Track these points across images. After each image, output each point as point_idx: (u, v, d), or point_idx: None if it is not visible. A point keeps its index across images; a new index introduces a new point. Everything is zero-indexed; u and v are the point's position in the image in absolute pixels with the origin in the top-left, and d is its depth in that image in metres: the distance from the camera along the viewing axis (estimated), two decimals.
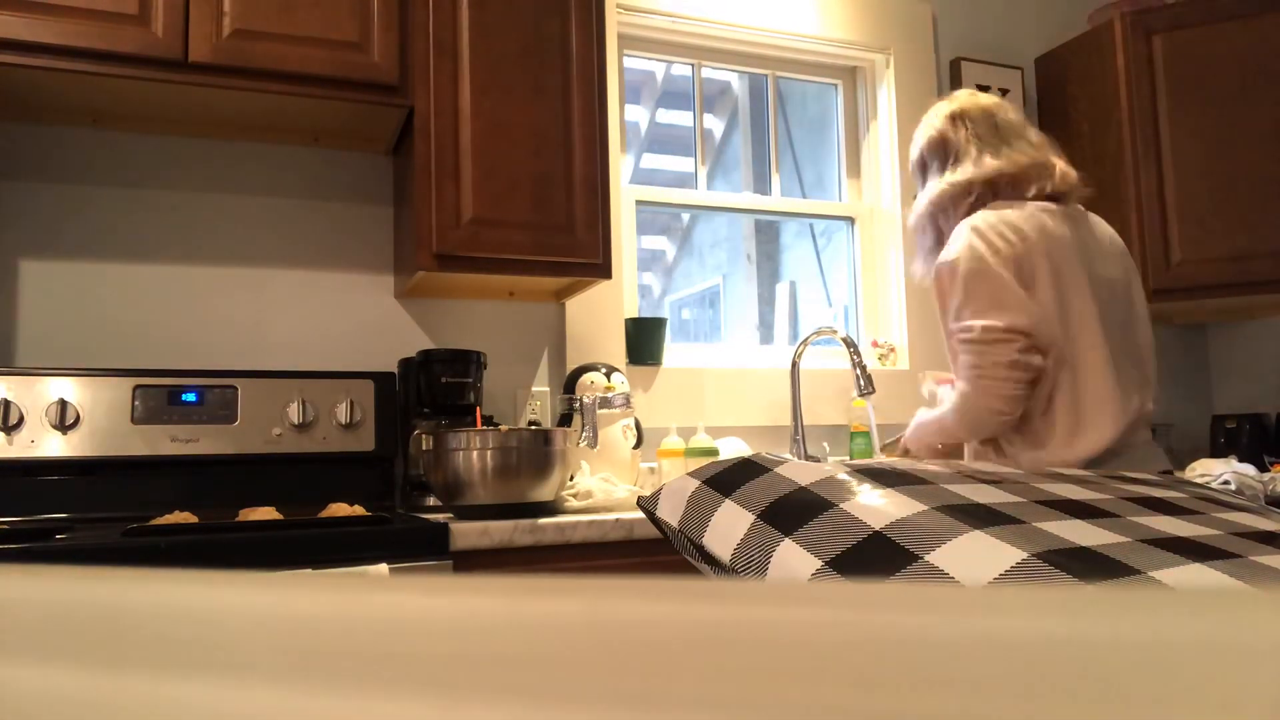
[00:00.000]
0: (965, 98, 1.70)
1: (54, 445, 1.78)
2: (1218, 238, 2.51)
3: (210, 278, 2.07)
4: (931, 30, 2.85)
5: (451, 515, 1.70)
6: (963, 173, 1.60)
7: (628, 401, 2.06)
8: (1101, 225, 1.63)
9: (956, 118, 1.66)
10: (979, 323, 1.45)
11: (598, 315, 2.35)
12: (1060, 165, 1.60)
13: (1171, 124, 2.57)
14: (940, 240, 1.64)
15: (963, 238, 1.52)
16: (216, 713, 0.20)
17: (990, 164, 1.59)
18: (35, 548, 1.34)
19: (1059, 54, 2.89)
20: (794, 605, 0.19)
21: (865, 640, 0.18)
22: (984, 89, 2.87)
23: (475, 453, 1.66)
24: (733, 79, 3.17)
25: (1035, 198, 1.57)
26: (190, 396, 1.88)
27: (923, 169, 1.70)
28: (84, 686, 0.21)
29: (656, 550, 1.69)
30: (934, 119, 1.69)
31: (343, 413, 1.96)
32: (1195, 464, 2.29)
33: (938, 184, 1.63)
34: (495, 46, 1.98)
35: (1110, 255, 1.59)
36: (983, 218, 1.53)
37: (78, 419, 1.79)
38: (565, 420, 2.07)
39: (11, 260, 1.93)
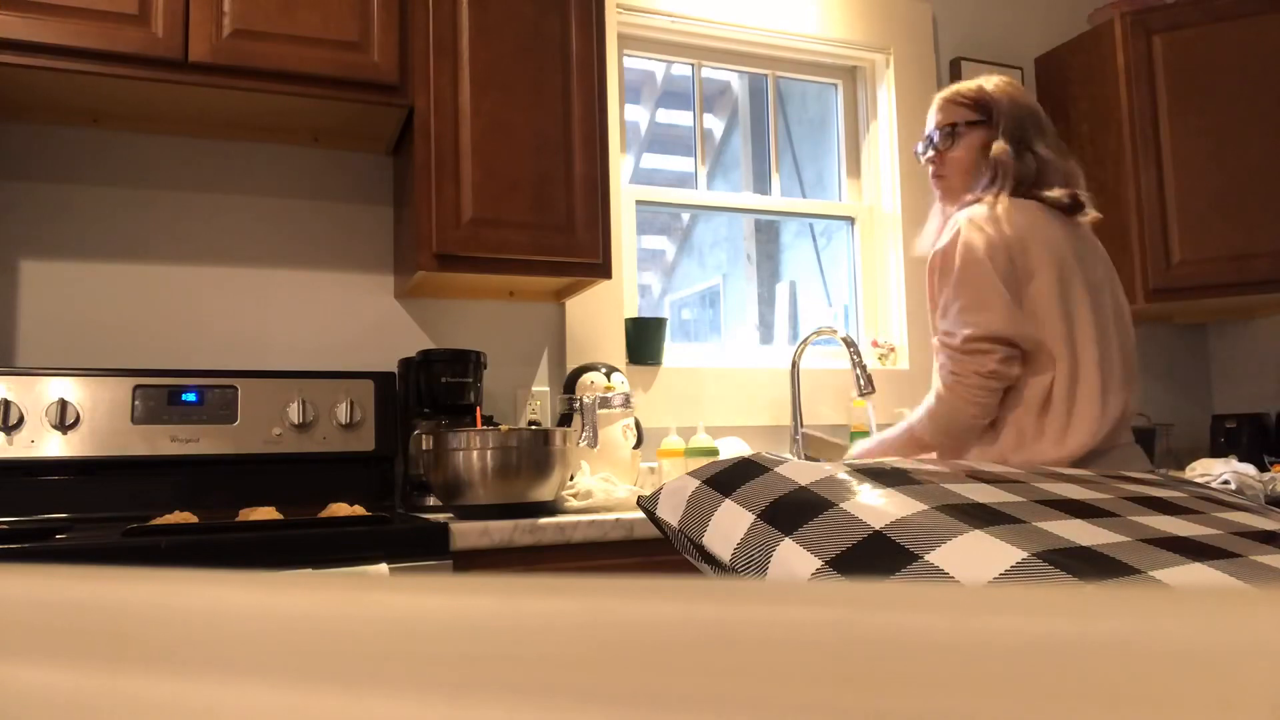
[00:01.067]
0: (1015, 85, 1.65)
1: (54, 445, 1.78)
2: (1218, 237, 2.51)
3: (210, 278, 2.07)
4: (931, 30, 2.85)
5: (451, 515, 1.70)
6: (1057, 159, 1.57)
7: (628, 401, 2.06)
8: (1088, 227, 1.62)
9: (1040, 107, 1.62)
10: (962, 331, 1.45)
11: (598, 315, 2.35)
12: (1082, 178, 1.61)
13: (1171, 124, 2.57)
14: (962, 196, 1.60)
15: (960, 230, 1.49)
16: (216, 712, 0.20)
17: (1057, 162, 1.56)
18: (35, 548, 1.34)
19: (1059, 54, 2.89)
20: (794, 604, 0.19)
21: (865, 639, 0.18)
22: None
23: (475, 453, 1.66)
24: (733, 79, 3.17)
25: (1061, 203, 1.55)
26: (190, 396, 1.88)
27: (1017, 123, 1.58)
28: (84, 686, 0.21)
29: (657, 550, 1.69)
30: (1026, 93, 1.62)
31: (343, 413, 1.96)
32: (1195, 464, 2.29)
33: (1035, 154, 1.56)
34: (495, 46, 1.98)
35: (1098, 257, 1.58)
36: (983, 212, 1.50)
37: (78, 419, 1.79)
38: (565, 420, 2.07)
39: (11, 260, 1.93)
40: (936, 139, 1.65)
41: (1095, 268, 1.55)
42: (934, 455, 1.60)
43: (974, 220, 1.48)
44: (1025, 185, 1.54)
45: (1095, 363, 1.46)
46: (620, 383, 2.07)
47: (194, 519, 1.51)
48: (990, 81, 1.63)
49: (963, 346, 1.45)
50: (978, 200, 1.54)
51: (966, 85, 1.65)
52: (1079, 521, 0.83)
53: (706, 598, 0.19)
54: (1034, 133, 1.58)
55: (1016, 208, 1.51)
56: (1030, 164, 1.55)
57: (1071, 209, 1.55)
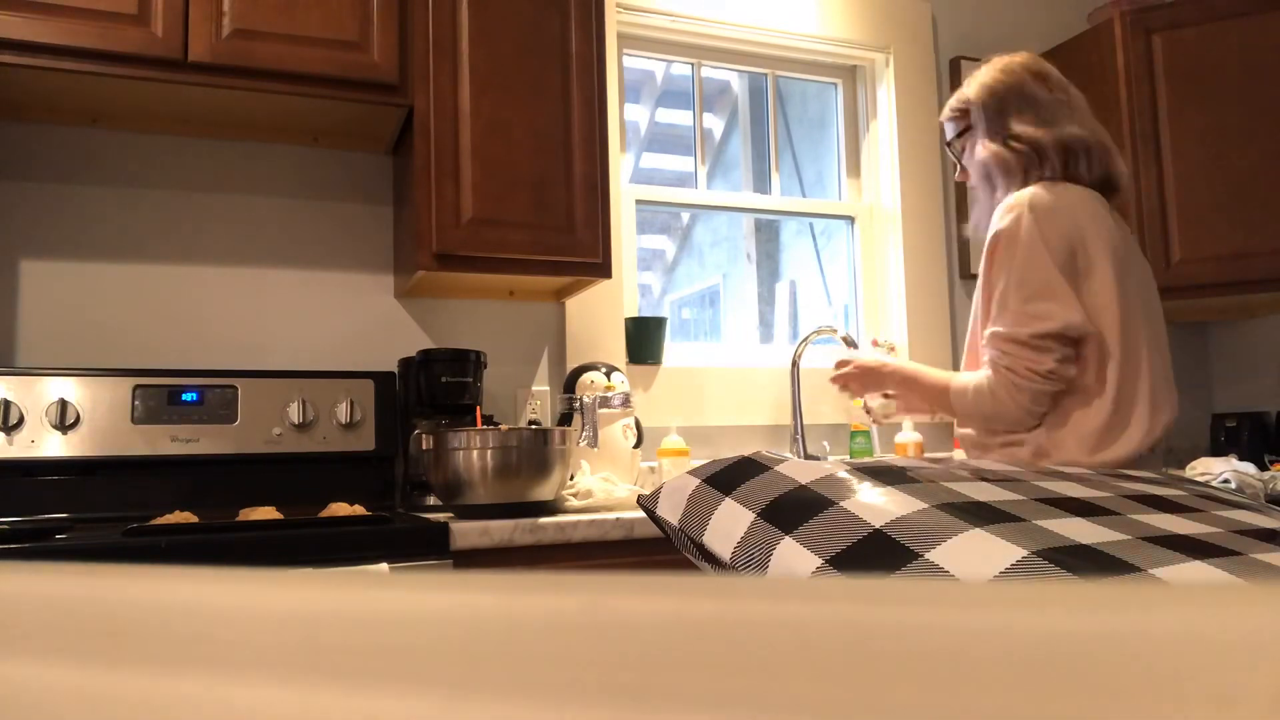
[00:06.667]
0: (1039, 61, 1.56)
1: (54, 445, 1.78)
2: (1218, 236, 2.51)
3: (210, 278, 2.07)
4: (931, 29, 2.85)
5: (452, 515, 1.70)
6: (1048, 132, 1.46)
7: (628, 401, 2.06)
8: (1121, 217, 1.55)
9: (1039, 76, 1.52)
10: (1023, 330, 1.35)
11: (598, 315, 2.35)
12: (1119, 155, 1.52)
13: (1171, 123, 2.57)
14: (993, 197, 1.51)
15: (1020, 215, 1.39)
16: (216, 709, 0.20)
17: (1075, 131, 1.47)
18: (35, 547, 1.34)
19: (1058, 53, 2.89)
20: (794, 600, 0.19)
21: (865, 635, 0.18)
22: None
23: (475, 452, 1.66)
24: (732, 78, 3.17)
25: (1097, 182, 1.48)
26: (190, 396, 1.88)
27: (994, 115, 1.52)
28: (84, 684, 0.21)
29: (657, 549, 1.69)
30: (1012, 69, 1.54)
31: (343, 413, 1.96)
32: (1195, 462, 2.29)
33: (1015, 137, 1.48)
34: (495, 46, 1.98)
35: (1139, 254, 1.50)
36: (1042, 197, 1.40)
37: (78, 419, 1.79)
38: (565, 420, 2.07)
39: (11, 260, 1.93)
40: (956, 155, 1.62)
41: (1141, 265, 1.48)
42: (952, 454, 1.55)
43: (1035, 207, 1.39)
44: (1044, 170, 1.46)
45: (1148, 370, 1.38)
46: (620, 382, 2.07)
47: (194, 519, 1.51)
48: (973, 81, 1.57)
49: (1027, 341, 1.35)
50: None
51: (957, 96, 1.60)
52: (1079, 520, 0.83)
53: (706, 594, 0.19)
54: (1013, 114, 1.51)
55: (1073, 195, 1.42)
56: (1021, 149, 1.48)
57: (1106, 187, 1.49)
